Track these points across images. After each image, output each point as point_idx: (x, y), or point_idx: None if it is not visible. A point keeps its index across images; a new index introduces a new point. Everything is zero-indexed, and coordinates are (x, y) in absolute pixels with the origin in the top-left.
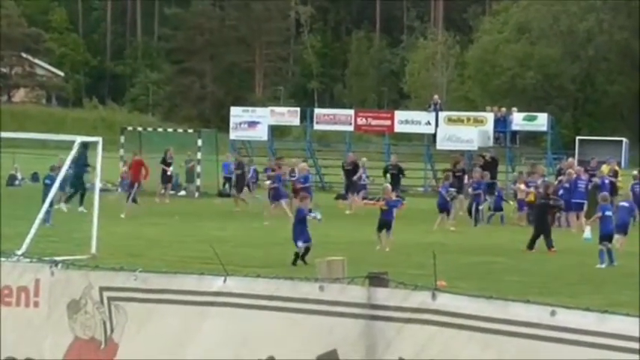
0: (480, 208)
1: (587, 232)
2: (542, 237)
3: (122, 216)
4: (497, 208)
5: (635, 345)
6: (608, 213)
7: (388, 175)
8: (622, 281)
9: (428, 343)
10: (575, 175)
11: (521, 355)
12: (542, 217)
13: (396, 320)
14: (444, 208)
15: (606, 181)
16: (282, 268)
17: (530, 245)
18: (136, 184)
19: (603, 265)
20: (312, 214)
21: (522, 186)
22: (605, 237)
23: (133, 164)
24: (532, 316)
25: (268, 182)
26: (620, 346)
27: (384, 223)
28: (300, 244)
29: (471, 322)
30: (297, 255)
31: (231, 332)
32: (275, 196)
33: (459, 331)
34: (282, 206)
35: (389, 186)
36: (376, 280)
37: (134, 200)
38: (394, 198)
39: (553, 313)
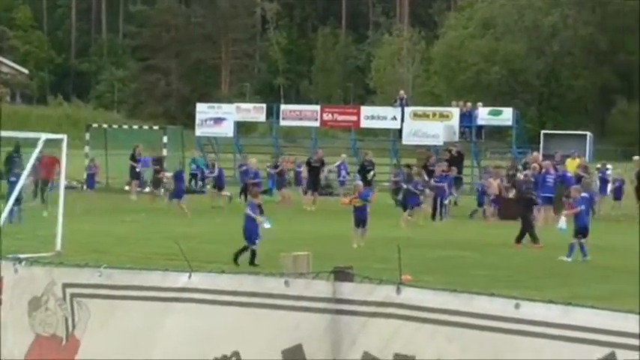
0: (445, 202)
1: (563, 223)
2: (521, 230)
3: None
4: (481, 203)
5: (597, 337)
6: (583, 207)
7: (372, 173)
8: (588, 274)
9: (393, 336)
10: (544, 170)
11: (486, 348)
12: (527, 211)
13: (361, 314)
14: (416, 204)
15: (568, 174)
16: (246, 262)
17: (534, 239)
18: (50, 183)
19: (570, 259)
20: (263, 223)
21: (496, 182)
22: (580, 231)
23: (47, 161)
24: (496, 309)
25: (168, 174)
26: (585, 339)
27: (359, 220)
28: (258, 241)
29: (436, 316)
30: (253, 252)
31: (196, 328)
32: (176, 193)
33: (424, 324)
34: (181, 204)
35: (360, 183)
36: (341, 274)
37: (42, 199)
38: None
39: (517, 306)
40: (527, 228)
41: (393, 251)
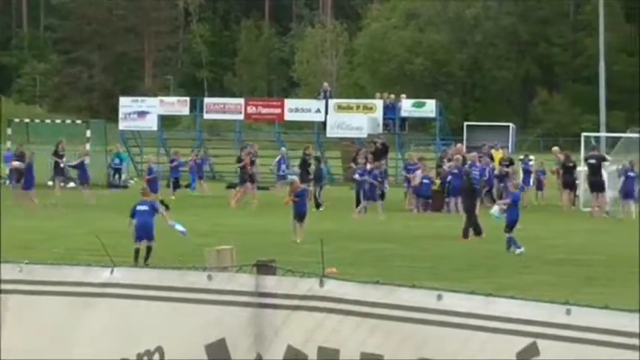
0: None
1: (496, 211)
2: (471, 222)
3: None
4: (424, 194)
5: (519, 327)
6: (517, 199)
7: (312, 167)
8: (511, 266)
9: (316, 329)
10: (469, 162)
11: (409, 339)
12: (470, 203)
13: (284, 308)
14: (372, 197)
15: (486, 168)
16: (170, 257)
17: (465, 233)
18: None
19: (522, 249)
20: (174, 225)
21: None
22: (513, 224)
23: None
24: (419, 300)
25: (15, 163)
26: (507, 329)
27: (299, 214)
28: (144, 241)
29: (359, 308)
30: (137, 252)
31: (119, 323)
32: (26, 184)
33: (347, 316)
34: (29, 196)
35: (296, 178)
36: (264, 268)
37: None
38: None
39: (440, 297)
40: (469, 220)
41: (318, 244)
